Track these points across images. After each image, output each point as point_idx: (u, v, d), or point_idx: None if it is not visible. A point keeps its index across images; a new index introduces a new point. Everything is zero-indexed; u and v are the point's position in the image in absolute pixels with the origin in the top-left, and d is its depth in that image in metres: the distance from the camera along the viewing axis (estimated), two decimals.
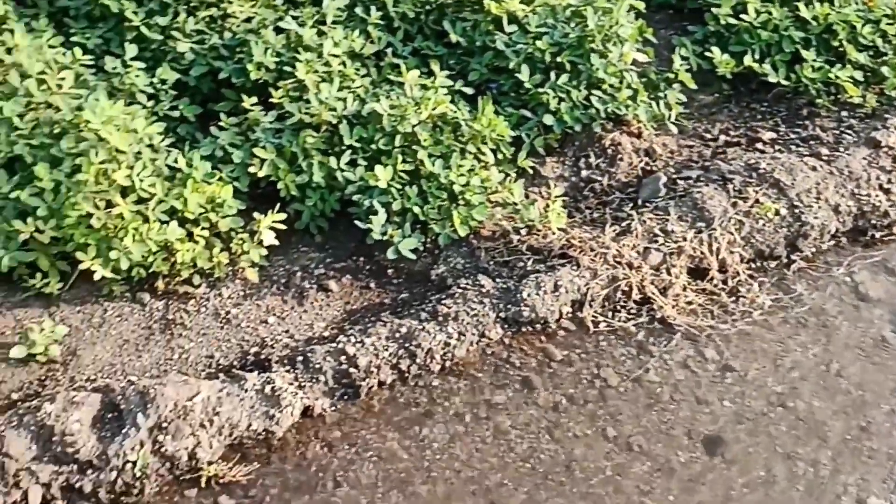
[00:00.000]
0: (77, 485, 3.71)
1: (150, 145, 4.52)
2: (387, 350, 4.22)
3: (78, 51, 4.87)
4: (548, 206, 4.76)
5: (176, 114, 4.91)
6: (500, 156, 4.96)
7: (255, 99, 4.89)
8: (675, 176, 5.15)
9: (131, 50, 4.95)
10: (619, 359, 4.44)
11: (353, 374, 4.14)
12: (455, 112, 4.88)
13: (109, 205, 4.28)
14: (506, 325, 4.45)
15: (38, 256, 4.34)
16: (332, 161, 4.70)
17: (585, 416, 4.21)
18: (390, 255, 4.58)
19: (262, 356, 4.25)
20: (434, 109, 4.80)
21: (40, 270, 4.37)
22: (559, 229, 4.73)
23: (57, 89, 4.59)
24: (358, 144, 4.78)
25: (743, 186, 4.99)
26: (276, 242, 4.55)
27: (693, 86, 5.56)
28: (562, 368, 4.38)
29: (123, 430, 3.75)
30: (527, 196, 4.87)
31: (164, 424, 3.77)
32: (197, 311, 4.42)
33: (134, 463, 3.72)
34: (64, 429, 3.71)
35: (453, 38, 5.39)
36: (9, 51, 4.75)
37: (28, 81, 4.56)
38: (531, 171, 5.10)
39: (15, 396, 4.03)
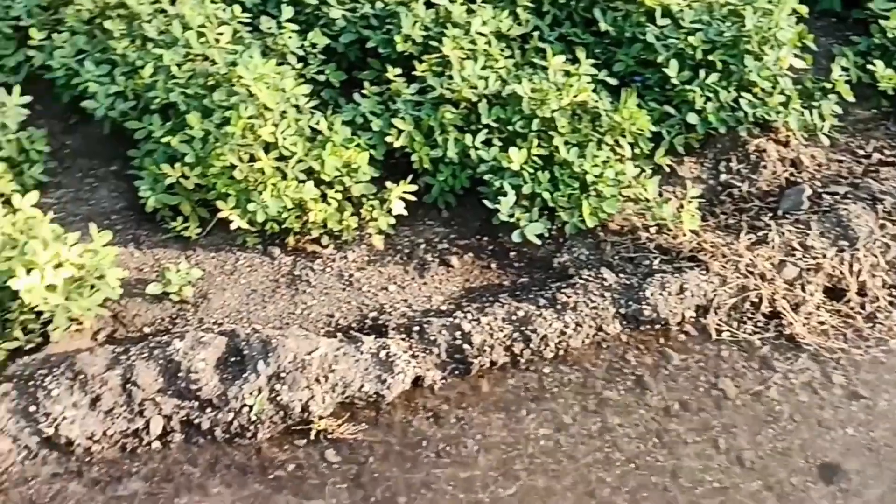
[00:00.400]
0: (196, 421, 3.89)
1: (296, 106, 4.66)
2: (502, 331, 4.22)
3: (237, 8, 5.05)
4: (681, 206, 4.64)
5: (322, 78, 5.03)
6: (637, 150, 4.86)
7: (398, 70, 4.96)
8: (820, 190, 4.92)
9: (287, 12, 5.09)
10: (740, 371, 4.29)
11: (466, 351, 4.16)
12: (596, 101, 4.81)
13: (252, 159, 4.43)
14: (625, 322, 4.37)
15: (181, 201, 4.55)
16: (468, 138, 4.71)
17: (697, 425, 4.09)
18: (515, 237, 4.57)
19: (380, 321, 4.32)
20: (575, 97, 4.74)
21: (182, 214, 4.59)
22: (691, 231, 4.60)
23: (215, 43, 4.78)
24: (495, 124, 4.78)
25: (894, 208, 4.73)
26: (405, 213, 4.62)
27: (850, 98, 5.28)
28: (678, 372, 4.27)
29: (244, 375, 3.90)
30: (660, 194, 4.76)
31: (283, 374, 3.90)
32: (322, 271, 4.53)
33: (250, 407, 3.86)
34: (190, 366, 3.89)
35: (602, 26, 5.30)
36: (172, 2, 4.98)
37: (189, 33, 4.76)
38: (668, 170, 4.97)
39: (147, 330, 4.24)
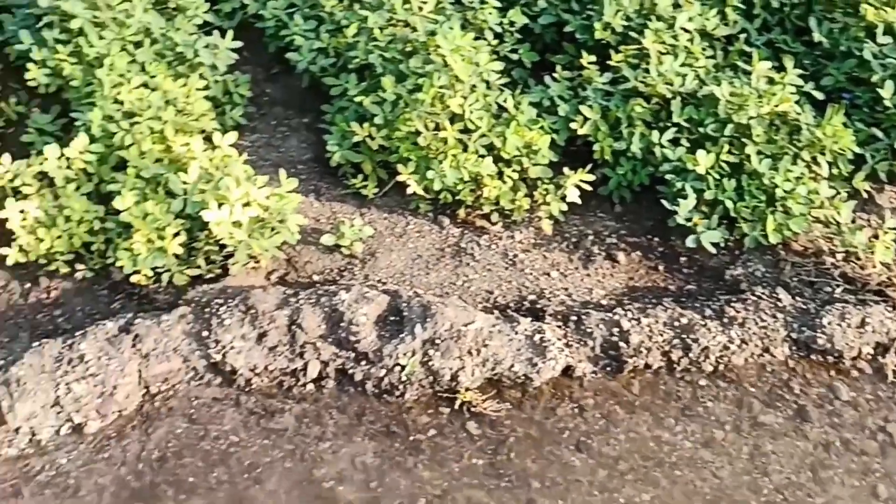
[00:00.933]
0: (350, 371, 4.03)
1: (486, 81, 4.70)
2: (661, 335, 4.12)
3: None
4: (875, 236, 4.35)
5: (515, 56, 5.04)
6: (835, 171, 4.59)
7: (593, 58, 4.89)
8: None
9: None
10: None
11: (621, 349, 4.09)
12: (798, 114, 4.57)
13: (437, 128, 4.51)
14: (794, 348, 4.16)
15: (364, 160, 4.71)
16: (654, 135, 4.60)
17: (858, 466, 3.85)
18: (689, 243, 4.43)
19: (538, 306, 4.31)
20: (776, 106, 4.53)
21: (362, 173, 4.74)
22: (882, 264, 4.31)
23: (418, 11, 4.89)
24: (685, 124, 4.63)
25: None
26: (578, 201, 4.57)
27: None
28: (845, 409, 4.03)
29: (401, 336, 4.00)
30: (854, 220, 4.47)
31: (438, 341, 3.97)
32: (488, 247, 4.57)
33: (402, 367, 3.96)
34: (352, 318, 4.02)
35: (815, 37, 5.02)
36: None
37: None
38: (865, 195, 4.67)
39: (316, 278, 4.42)
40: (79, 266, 4.37)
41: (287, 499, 3.75)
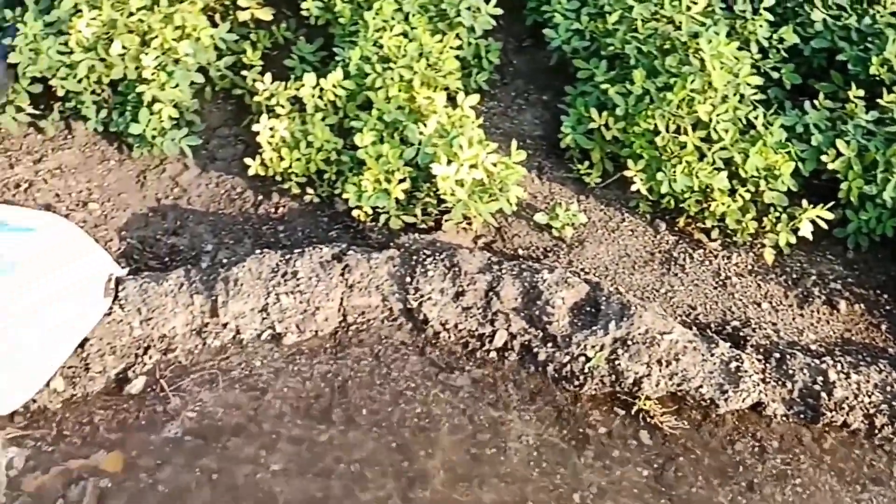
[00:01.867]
0: (534, 349, 4.05)
1: (741, 94, 4.50)
2: (869, 396, 3.83)
3: None
4: None
5: (775, 75, 4.80)
6: None
7: (861, 92, 4.57)
8: None
9: (767, 0, 4.90)
10: None
11: (822, 400, 3.84)
12: None
13: (678, 130, 4.40)
14: None
15: (594, 147, 4.67)
16: None
17: None
18: None
19: (741, 333, 4.13)
20: None
21: (589, 160, 4.71)
22: None
23: (685, 10, 4.75)
24: None
25: None
26: (809, 237, 4.32)
27: None
28: None
29: (593, 328, 3.97)
30: None
31: (630, 343, 3.90)
32: (700, 262, 4.42)
33: (588, 358, 3.93)
34: (549, 299, 4.03)
35: None
36: None
37: None
38: None
39: (521, 252, 4.46)
40: (308, 190, 4.66)
41: (447, 453, 3.84)
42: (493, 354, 4.11)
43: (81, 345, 3.98)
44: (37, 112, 4.76)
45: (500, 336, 4.10)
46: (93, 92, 4.72)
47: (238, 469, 3.77)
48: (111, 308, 4.07)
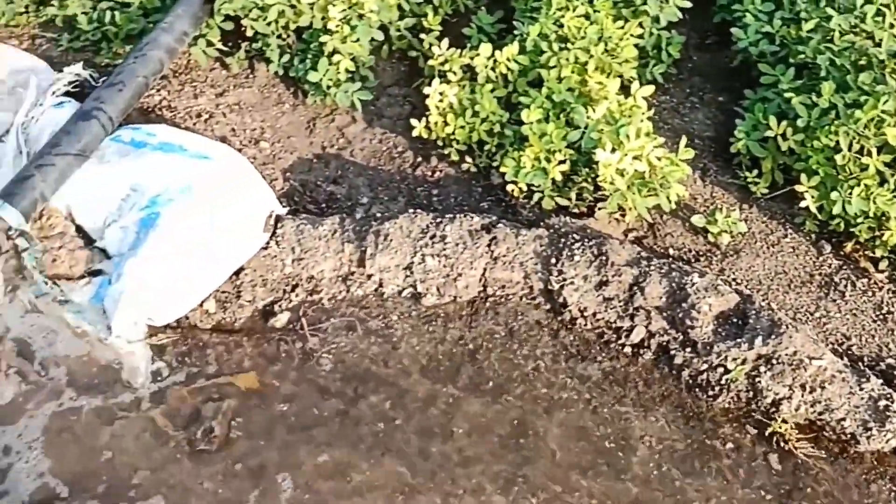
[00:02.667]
0: (672, 351, 3.96)
1: None
2: None
3: None
4: None
5: None
6: None
7: None
8: None
9: None
10: None
11: None
12: None
13: (861, 151, 4.16)
14: None
15: (766, 156, 4.48)
16: None
17: None
18: None
19: (895, 372, 3.91)
20: None
21: (759, 168, 4.53)
22: None
23: (887, 27, 4.48)
24: None
25: None
26: None
27: None
28: None
29: (738, 340, 3.83)
30: None
31: (774, 362, 3.76)
32: (863, 292, 4.18)
33: (727, 371, 3.81)
34: (695, 303, 3.93)
35: None
36: None
37: (869, 7, 4.51)
38: None
39: (671, 252, 4.35)
40: (467, 159, 4.70)
41: (565, 438, 3.82)
42: (627, 349, 4.05)
43: (237, 273, 4.20)
44: (225, 49, 5.01)
45: (638, 332, 4.03)
46: (279, 36, 4.92)
47: (362, 414, 3.88)
48: (268, 243, 4.26)
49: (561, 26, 4.65)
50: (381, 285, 4.25)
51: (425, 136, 4.72)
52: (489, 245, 4.22)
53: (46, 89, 4.54)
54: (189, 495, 3.64)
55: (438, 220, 4.31)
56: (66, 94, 4.58)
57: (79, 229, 4.29)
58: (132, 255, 4.05)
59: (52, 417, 3.84)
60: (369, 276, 4.26)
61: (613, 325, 4.07)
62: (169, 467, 3.72)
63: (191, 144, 4.36)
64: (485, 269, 4.21)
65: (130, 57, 4.57)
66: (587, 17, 4.73)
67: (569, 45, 4.60)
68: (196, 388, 3.97)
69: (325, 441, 3.81)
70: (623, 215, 4.41)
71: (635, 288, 4.05)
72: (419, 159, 4.80)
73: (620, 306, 4.06)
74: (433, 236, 4.25)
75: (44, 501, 3.59)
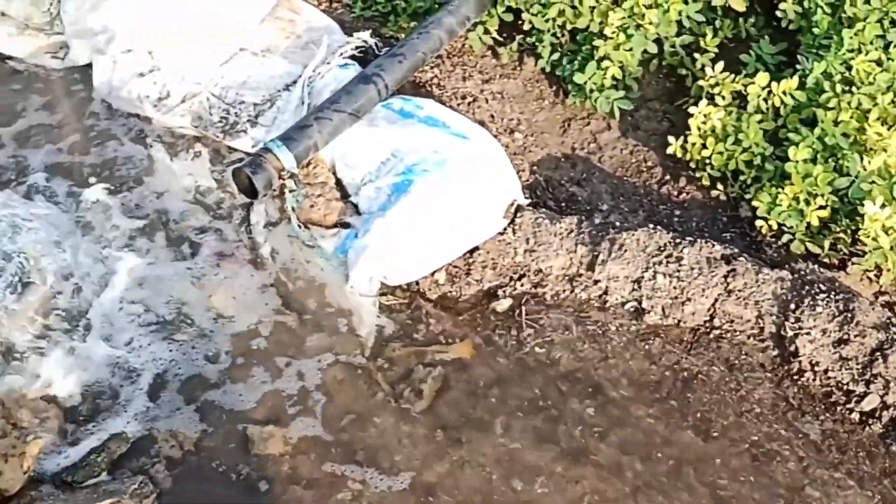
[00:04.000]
0: None
1: None
2: None
3: None
4: None
5: None
6: None
7: None
8: None
9: None
10: None
11: None
12: None
13: None
14: None
15: None
16: None
17: None
18: None
19: None
20: None
21: None
22: None
23: None
24: None
25: None
26: None
27: None
28: None
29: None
30: None
31: None
32: None
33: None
34: None
35: None
36: None
37: None
38: None
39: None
40: (718, 186, 4.58)
41: (766, 493, 3.65)
42: (855, 415, 3.80)
43: (471, 252, 4.35)
44: (499, 38, 5.18)
45: (872, 400, 3.76)
46: (553, 34, 5.02)
47: (563, 414, 3.91)
48: (505, 230, 4.38)
49: (849, 68, 4.40)
50: (606, 293, 4.25)
51: (679, 155, 4.65)
52: (726, 276, 4.10)
53: (335, 50, 4.90)
54: (384, 444, 3.83)
55: (678, 240, 4.24)
56: (352, 57, 4.93)
57: (338, 182, 4.63)
58: (381, 216, 4.30)
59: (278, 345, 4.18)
60: (596, 282, 4.26)
61: (845, 387, 3.83)
62: (372, 414, 3.94)
63: (453, 123, 4.56)
64: (716, 300, 4.10)
65: (414, 33, 4.85)
66: (879, 62, 4.45)
67: (853, 88, 4.35)
68: (412, 350, 4.17)
69: (521, 430, 3.88)
70: (878, 275, 4.13)
71: (878, 353, 3.79)
72: (667, 177, 4.74)
73: (857, 369, 3.81)
74: (669, 256, 4.18)
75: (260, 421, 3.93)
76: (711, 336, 4.12)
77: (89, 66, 5.08)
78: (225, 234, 4.53)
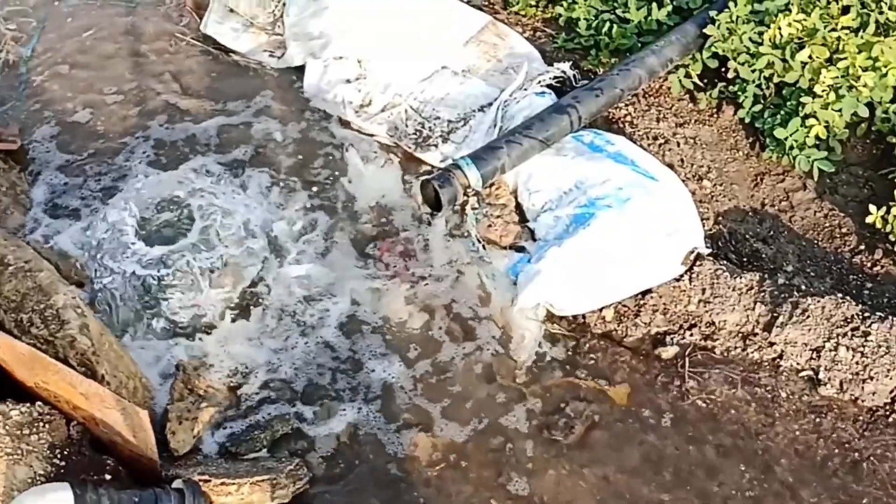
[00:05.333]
0: None
1: None
2: None
3: None
4: None
5: None
6: None
7: None
8: None
9: None
10: None
11: None
12: None
13: None
14: None
15: None
16: None
17: None
18: None
19: None
20: None
21: None
22: None
23: None
24: None
25: None
26: None
27: None
28: None
29: None
30: None
31: None
32: None
33: None
34: None
35: None
36: None
37: None
38: None
39: None
40: None
41: None
42: None
43: (643, 293, 4.29)
44: (699, 83, 5.10)
45: None
46: (758, 85, 4.88)
47: (722, 475, 3.78)
48: (681, 276, 4.29)
49: None
50: (780, 357, 4.07)
51: (878, 225, 4.40)
52: None
53: (534, 77, 4.99)
54: (530, 471, 3.83)
55: (866, 314, 4.02)
56: (549, 86, 5.00)
57: (517, 206, 4.69)
58: (556, 244, 4.32)
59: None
60: (771, 344, 4.10)
61: None
62: (520, 439, 3.95)
63: (642, 162, 4.53)
64: None
65: (615, 69, 4.85)
66: None
67: None
68: (570, 382, 4.15)
69: (671, 482, 3.78)
70: None
71: None
72: (862, 247, 4.49)
73: None
74: (855, 329, 3.97)
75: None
76: (890, 420, 3.87)
77: (301, 67, 5.41)
78: (404, 241, 4.69)
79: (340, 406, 4.05)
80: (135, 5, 5.92)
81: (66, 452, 3.41)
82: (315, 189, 4.91)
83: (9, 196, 4.71)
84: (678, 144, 4.96)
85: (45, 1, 5.94)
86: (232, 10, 5.69)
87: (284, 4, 5.49)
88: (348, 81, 5.21)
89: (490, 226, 4.62)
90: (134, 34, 5.73)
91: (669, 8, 5.15)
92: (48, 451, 3.36)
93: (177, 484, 3.39)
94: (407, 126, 5.04)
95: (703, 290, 4.24)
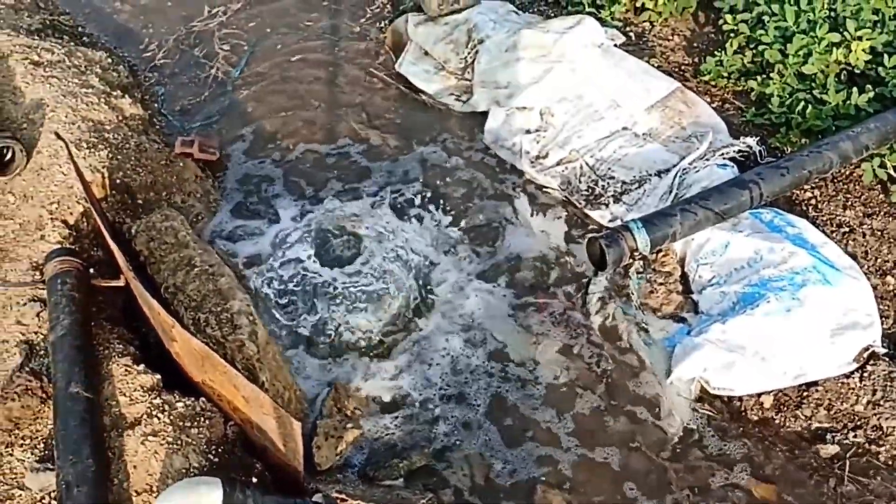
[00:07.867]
0: None
1: None
2: None
3: None
4: None
5: None
6: None
7: None
8: None
9: None
10: None
11: None
12: None
13: None
14: None
15: None
16: None
17: None
18: None
19: None
20: None
21: None
22: None
23: None
24: None
25: None
26: None
27: None
28: None
29: None
30: None
31: None
32: None
33: None
34: None
35: None
36: None
37: None
38: None
39: None
40: None
41: None
42: None
43: (807, 385, 4.08)
44: (894, 175, 4.83)
45: None
46: None
47: None
48: (851, 373, 4.06)
49: None
50: None
51: None
52: None
53: (718, 149, 4.90)
54: None
55: None
56: (732, 159, 4.89)
57: (683, 276, 4.59)
58: (720, 320, 4.19)
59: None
60: None
61: None
62: None
63: (823, 249, 4.34)
64: None
65: (806, 149, 4.69)
66: None
67: None
68: (715, 465, 3.99)
69: None
70: None
71: None
72: None
73: None
74: None
75: None
76: None
77: (484, 113, 5.55)
78: (561, 295, 4.69)
79: (476, 448, 4.07)
80: (338, 39, 6.29)
81: (220, 450, 3.60)
82: (482, 231, 5.00)
83: (202, 203, 5.07)
84: (864, 235, 4.71)
85: (259, 28, 6.41)
86: (427, 53, 5.93)
87: (477, 52, 5.67)
88: (528, 132, 5.30)
89: (652, 292, 4.55)
90: (334, 65, 6.08)
91: (871, 94, 4.93)
92: (205, 446, 3.56)
93: (317, 498, 3.50)
94: (580, 182, 5.06)
95: (874, 391, 3.99)
